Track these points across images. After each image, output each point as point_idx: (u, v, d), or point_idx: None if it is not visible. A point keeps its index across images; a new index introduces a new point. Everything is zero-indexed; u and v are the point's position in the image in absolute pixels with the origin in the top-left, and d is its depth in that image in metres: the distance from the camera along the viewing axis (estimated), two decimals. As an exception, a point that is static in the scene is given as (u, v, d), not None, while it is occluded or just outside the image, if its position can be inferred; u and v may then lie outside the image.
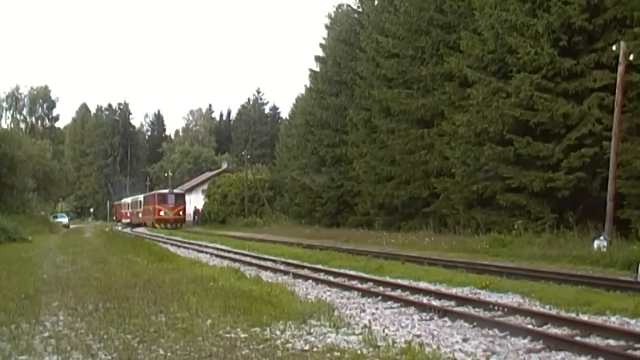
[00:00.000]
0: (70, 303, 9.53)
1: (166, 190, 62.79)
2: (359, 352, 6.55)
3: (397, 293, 11.56)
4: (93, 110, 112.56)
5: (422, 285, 12.64)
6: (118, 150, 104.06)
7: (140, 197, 67.55)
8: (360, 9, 41.86)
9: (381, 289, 12.13)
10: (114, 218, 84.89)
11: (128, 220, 70.00)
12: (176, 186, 76.86)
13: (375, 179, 33.47)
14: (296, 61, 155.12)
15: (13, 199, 43.84)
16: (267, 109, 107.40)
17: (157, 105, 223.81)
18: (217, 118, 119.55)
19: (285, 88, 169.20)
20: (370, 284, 13.00)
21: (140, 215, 64.49)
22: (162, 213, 56.35)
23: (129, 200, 75.75)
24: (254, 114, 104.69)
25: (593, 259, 16.58)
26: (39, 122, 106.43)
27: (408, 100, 30.62)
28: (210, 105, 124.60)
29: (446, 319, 8.93)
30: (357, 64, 36.85)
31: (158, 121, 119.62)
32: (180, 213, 58.48)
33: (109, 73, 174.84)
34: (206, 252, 23.83)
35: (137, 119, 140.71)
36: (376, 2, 38.29)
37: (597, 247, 17.68)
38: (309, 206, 43.86)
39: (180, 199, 59.95)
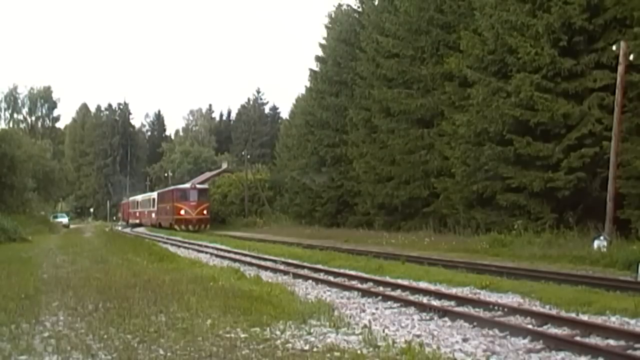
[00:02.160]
0: (70, 303, 9.52)
1: (187, 185, 52.93)
2: (359, 352, 6.55)
3: (397, 293, 11.56)
4: (93, 110, 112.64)
5: (422, 285, 12.64)
6: (118, 150, 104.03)
7: (154, 194, 60.11)
8: (360, 9, 41.90)
9: (381, 289, 12.13)
10: (114, 218, 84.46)
11: (137, 221, 64.15)
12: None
13: (375, 179, 33.47)
14: (296, 61, 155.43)
15: (13, 199, 43.81)
16: (267, 109, 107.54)
17: (157, 105, 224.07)
18: (217, 118, 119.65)
19: (285, 88, 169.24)
20: (370, 284, 13.00)
21: (153, 215, 57.03)
22: (182, 212, 47.55)
23: (138, 198, 68.41)
24: (254, 114, 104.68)
25: (593, 259, 16.59)
26: (39, 122, 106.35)
27: (408, 100, 30.63)
28: (210, 105, 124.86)
29: (446, 319, 8.93)
30: (357, 64, 36.88)
31: (158, 121, 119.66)
32: (205, 212, 48.51)
33: (109, 73, 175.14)
34: (206, 252, 23.83)
35: (137, 119, 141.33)
36: (376, 2, 38.33)
37: (597, 247, 17.69)
38: (309, 206, 43.87)
39: (204, 195, 49.98)
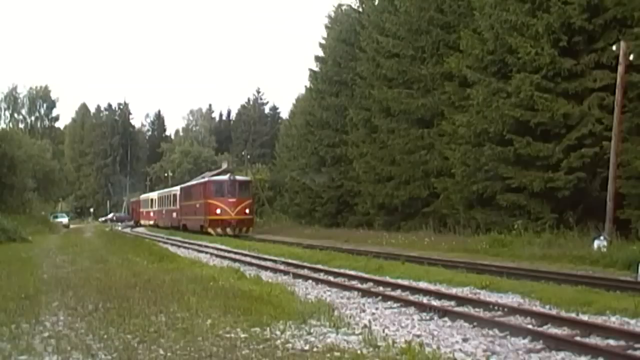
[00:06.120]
0: (70, 303, 9.52)
1: (225, 177, 41.17)
2: (359, 352, 6.54)
3: (397, 293, 11.56)
4: (93, 110, 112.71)
5: (422, 285, 12.64)
6: (118, 150, 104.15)
7: (176, 189, 50.96)
8: (360, 9, 41.90)
9: (381, 289, 12.13)
10: (114, 218, 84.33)
11: (151, 223, 57.60)
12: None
13: (375, 179, 33.49)
14: (296, 61, 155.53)
15: (13, 199, 43.87)
16: (267, 109, 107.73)
17: (157, 105, 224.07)
18: (217, 118, 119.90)
19: (285, 88, 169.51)
20: (370, 284, 13.00)
21: (174, 215, 48.56)
22: (218, 212, 37.33)
23: (154, 195, 60.01)
24: (254, 114, 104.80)
25: (593, 259, 16.59)
26: (39, 122, 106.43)
27: (408, 100, 30.63)
28: (210, 105, 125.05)
29: (446, 319, 8.93)
30: (357, 64, 36.89)
31: (158, 121, 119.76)
32: (247, 211, 38.33)
33: (109, 73, 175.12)
34: (206, 252, 23.82)
35: (137, 119, 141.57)
36: (376, 2, 38.35)
37: (597, 247, 17.68)
38: (309, 206, 43.88)
39: (245, 189, 39.16)
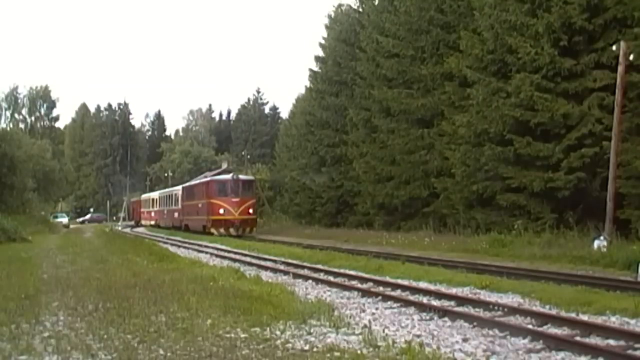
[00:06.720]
0: (70, 303, 9.53)
1: (228, 176, 40.98)
2: (359, 352, 6.55)
3: (397, 293, 11.56)
4: (93, 110, 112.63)
5: (422, 285, 12.64)
6: (118, 150, 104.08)
7: (177, 188, 50.40)
8: (360, 9, 41.92)
9: (381, 289, 12.13)
10: (114, 218, 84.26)
11: (152, 223, 57.60)
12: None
13: (375, 179, 33.49)
14: (296, 61, 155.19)
15: (13, 199, 43.84)
16: (267, 109, 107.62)
17: (157, 105, 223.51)
18: (217, 118, 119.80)
19: (285, 88, 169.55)
20: (370, 284, 13.00)
21: (176, 215, 48.16)
22: (221, 212, 36.91)
23: (155, 195, 59.62)
24: (254, 114, 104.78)
25: (593, 259, 16.59)
26: (39, 122, 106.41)
27: (408, 100, 30.64)
28: (210, 105, 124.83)
29: (446, 319, 8.93)
30: (357, 64, 36.90)
31: (158, 121, 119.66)
32: (250, 211, 37.79)
33: (109, 73, 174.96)
34: (206, 252, 23.83)
35: (137, 119, 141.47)
36: (376, 2, 38.36)
37: (597, 247, 17.69)
38: (309, 206, 43.88)
39: (248, 189, 38.85)
